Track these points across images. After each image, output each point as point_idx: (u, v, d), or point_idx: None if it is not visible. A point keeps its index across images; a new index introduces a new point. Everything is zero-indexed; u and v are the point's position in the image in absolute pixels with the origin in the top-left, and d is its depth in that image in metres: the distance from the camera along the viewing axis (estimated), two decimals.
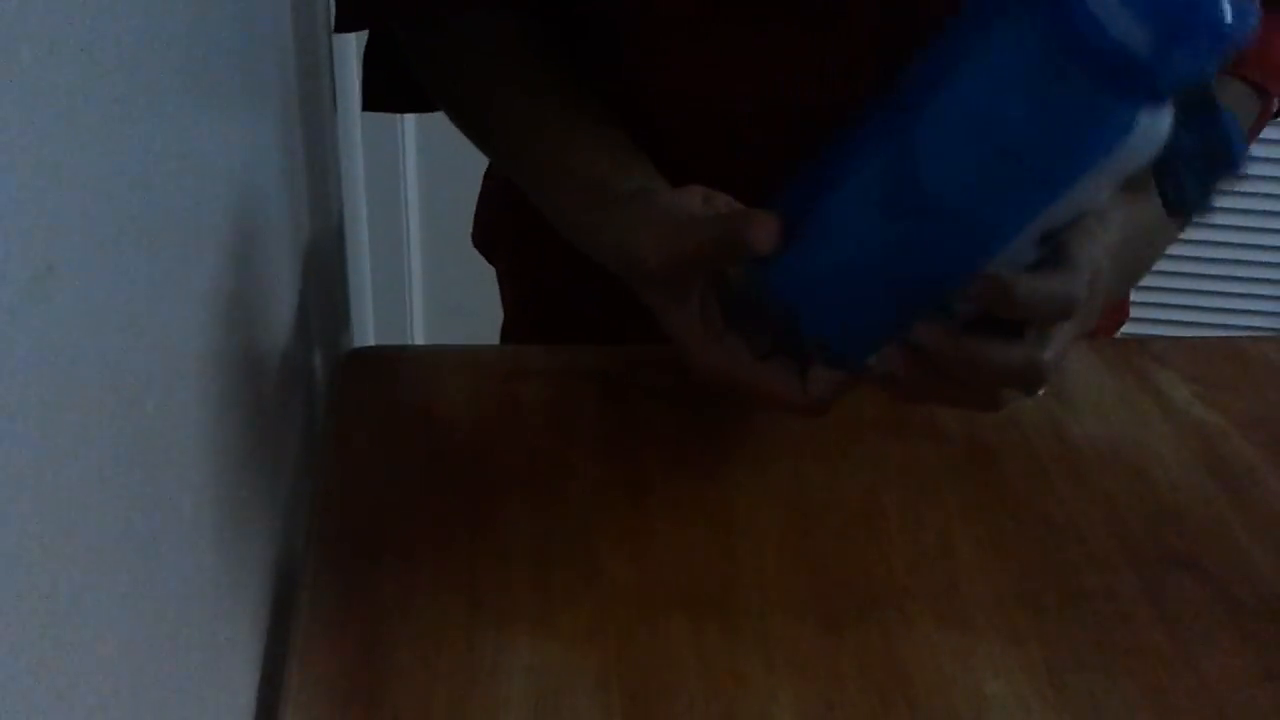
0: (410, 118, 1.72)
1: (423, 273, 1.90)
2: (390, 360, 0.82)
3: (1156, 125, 0.52)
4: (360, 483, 0.72)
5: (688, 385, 0.67)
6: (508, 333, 0.97)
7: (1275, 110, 0.77)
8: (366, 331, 1.78)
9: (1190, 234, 0.74)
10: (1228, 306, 2.10)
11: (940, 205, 0.56)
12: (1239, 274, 2.08)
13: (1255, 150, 0.85)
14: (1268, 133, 0.82)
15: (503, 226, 0.94)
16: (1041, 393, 0.61)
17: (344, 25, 0.80)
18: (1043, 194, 0.54)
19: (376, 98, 0.84)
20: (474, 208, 0.97)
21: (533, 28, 0.77)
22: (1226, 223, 1.99)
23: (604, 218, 0.67)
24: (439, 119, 0.81)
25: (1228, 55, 0.51)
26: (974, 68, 0.54)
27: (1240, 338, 0.88)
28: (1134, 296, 0.88)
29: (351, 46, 1.51)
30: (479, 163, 0.88)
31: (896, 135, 0.56)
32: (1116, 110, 0.52)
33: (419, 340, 1.93)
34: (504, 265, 0.96)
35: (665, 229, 0.63)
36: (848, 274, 0.59)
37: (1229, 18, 0.50)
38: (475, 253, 0.98)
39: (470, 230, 0.98)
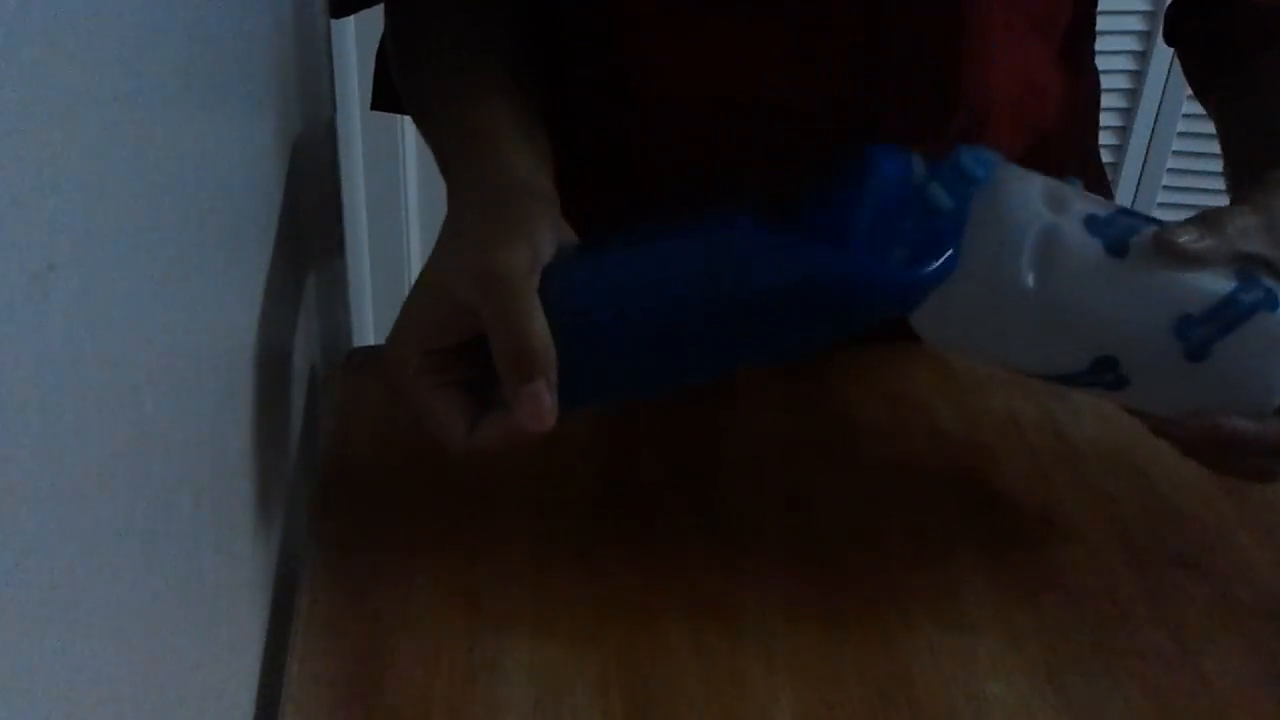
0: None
1: None
2: None
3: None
4: (360, 483, 0.72)
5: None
6: None
7: None
8: (366, 331, 1.78)
9: None
10: None
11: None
12: None
13: None
14: None
15: None
16: None
17: (338, 10, 0.80)
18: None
19: (385, 97, 0.84)
20: None
21: (517, 19, 0.76)
22: None
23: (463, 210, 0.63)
24: None
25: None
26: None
27: None
28: None
29: (351, 46, 1.51)
30: None
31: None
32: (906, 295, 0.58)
33: None
34: None
35: (487, 279, 0.57)
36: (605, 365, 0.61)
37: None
38: None
39: None
